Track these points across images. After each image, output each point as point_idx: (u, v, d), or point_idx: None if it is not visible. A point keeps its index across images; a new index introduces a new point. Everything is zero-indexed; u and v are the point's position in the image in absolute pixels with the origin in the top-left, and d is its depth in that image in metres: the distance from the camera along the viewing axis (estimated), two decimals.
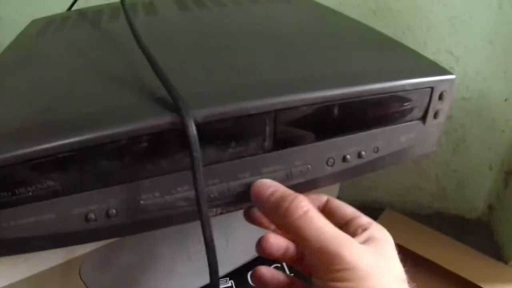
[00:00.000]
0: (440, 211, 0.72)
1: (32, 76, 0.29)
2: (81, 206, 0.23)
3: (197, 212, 0.23)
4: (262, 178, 0.26)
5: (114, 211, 0.23)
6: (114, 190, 0.23)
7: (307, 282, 0.27)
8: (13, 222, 0.22)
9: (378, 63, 0.29)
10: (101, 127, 0.21)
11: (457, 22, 0.56)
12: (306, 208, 0.23)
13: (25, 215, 0.22)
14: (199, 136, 0.21)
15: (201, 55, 0.30)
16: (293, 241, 0.29)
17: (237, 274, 0.46)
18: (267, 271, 0.29)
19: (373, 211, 0.63)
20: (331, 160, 0.28)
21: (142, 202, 0.24)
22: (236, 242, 0.44)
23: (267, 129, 0.25)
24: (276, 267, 0.46)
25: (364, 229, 0.25)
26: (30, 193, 0.22)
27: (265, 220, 0.29)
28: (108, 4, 0.46)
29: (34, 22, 0.45)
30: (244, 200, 0.26)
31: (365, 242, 0.24)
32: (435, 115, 0.30)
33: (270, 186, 0.25)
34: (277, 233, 0.29)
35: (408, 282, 0.23)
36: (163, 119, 0.22)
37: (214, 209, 0.25)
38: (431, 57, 0.31)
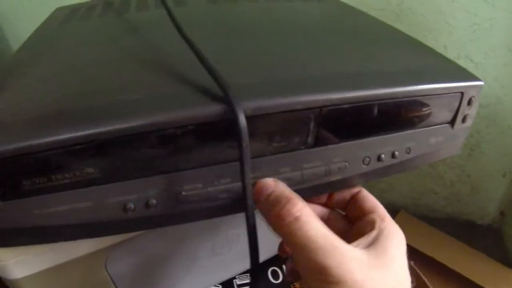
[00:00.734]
0: (453, 216, 0.72)
1: (65, 62, 0.29)
2: (119, 195, 0.23)
3: (238, 205, 0.23)
4: (302, 173, 0.26)
5: (154, 201, 0.23)
6: (155, 180, 0.23)
7: None
8: (46, 209, 0.22)
9: (411, 66, 0.30)
10: (147, 115, 0.21)
11: (478, 29, 0.56)
12: (298, 214, 0.22)
13: (59, 203, 0.22)
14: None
15: (241, 48, 0.30)
16: None
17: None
18: None
19: (388, 213, 0.63)
20: (367, 158, 0.28)
21: (183, 193, 0.23)
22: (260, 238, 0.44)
23: (312, 125, 0.24)
24: (273, 271, 0.46)
25: (373, 228, 0.24)
26: (68, 180, 0.22)
27: None
28: None
29: (58, 10, 0.44)
30: None
31: (369, 244, 0.23)
32: (463, 119, 0.31)
33: (270, 186, 0.24)
34: None
35: (413, 283, 0.23)
36: (212, 109, 0.21)
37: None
38: None
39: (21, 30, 0.77)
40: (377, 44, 0.33)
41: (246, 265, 0.45)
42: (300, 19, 0.38)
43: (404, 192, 0.70)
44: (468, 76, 0.29)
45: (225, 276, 0.44)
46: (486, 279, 0.56)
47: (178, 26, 0.28)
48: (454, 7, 0.55)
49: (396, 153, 0.29)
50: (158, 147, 0.22)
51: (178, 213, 0.24)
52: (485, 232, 0.70)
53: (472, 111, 0.31)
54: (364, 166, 0.28)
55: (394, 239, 0.24)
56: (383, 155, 0.28)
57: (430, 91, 0.27)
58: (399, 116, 0.28)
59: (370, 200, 0.28)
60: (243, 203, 0.22)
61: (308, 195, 0.27)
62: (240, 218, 0.23)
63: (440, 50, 0.58)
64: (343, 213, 0.30)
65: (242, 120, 0.21)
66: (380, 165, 0.29)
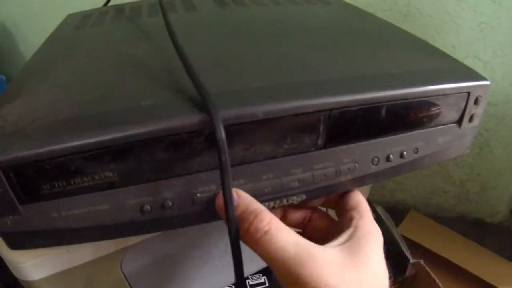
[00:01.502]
0: (463, 215, 0.72)
1: (78, 68, 0.29)
2: (137, 197, 0.23)
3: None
4: (313, 174, 0.26)
5: (170, 203, 0.24)
6: (171, 182, 0.23)
7: None
8: (64, 212, 0.23)
9: (419, 67, 0.30)
10: (162, 120, 0.22)
11: (485, 28, 0.56)
12: (267, 228, 0.22)
13: (77, 206, 0.22)
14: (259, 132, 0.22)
15: (250, 51, 0.30)
16: None
17: (270, 271, 0.46)
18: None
19: (398, 212, 0.64)
20: (376, 159, 0.28)
21: (198, 195, 0.24)
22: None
23: (322, 127, 0.25)
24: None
25: (349, 225, 0.25)
26: (86, 184, 0.22)
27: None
28: (145, 0, 0.46)
29: (70, 16, 0.45)
30: (296, 194, 0.26)
31: (344, 242, 0.23)
32: (470, 119, 0.31)
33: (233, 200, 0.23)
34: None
35: (390, 278, 0.23)
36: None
37: (267, 203, 0.26)
38: None
39: (32, 36, 0.78)
40: (384, 45, 0.34)
41: (259, 265, 0.46)
42: (308, 22, 0.38)
43: (414, 192, 0.70)
44: (475, 75, 0.30)
45: None
46: (496, 277, 0.56)
47: (171, 33, 0.29)
48: (461, 7, 0.55)
49: (405, 153, 0.29)
50: (173, 151, 0.22)
51: (193, 214, 0.24)
52: (495, 231, 0.69)
53: (479, 111, 0.31)
54: (373, 166, 0.28)
55: (369, 236, 0.24)
56: (391, 155, 0.29)
57: (437, 91, 0.28)
58: (406, 117, 0.28)
59: (355, 198, 0.28)
60: (226, 214, 0.22)
61: (319, 195, 0.27)
62: None
63: (449, 50, 0.58)
64: (324, 210, 0.31)
65: (221, 131, 0.21)
66: (388, 165, 0.29)
